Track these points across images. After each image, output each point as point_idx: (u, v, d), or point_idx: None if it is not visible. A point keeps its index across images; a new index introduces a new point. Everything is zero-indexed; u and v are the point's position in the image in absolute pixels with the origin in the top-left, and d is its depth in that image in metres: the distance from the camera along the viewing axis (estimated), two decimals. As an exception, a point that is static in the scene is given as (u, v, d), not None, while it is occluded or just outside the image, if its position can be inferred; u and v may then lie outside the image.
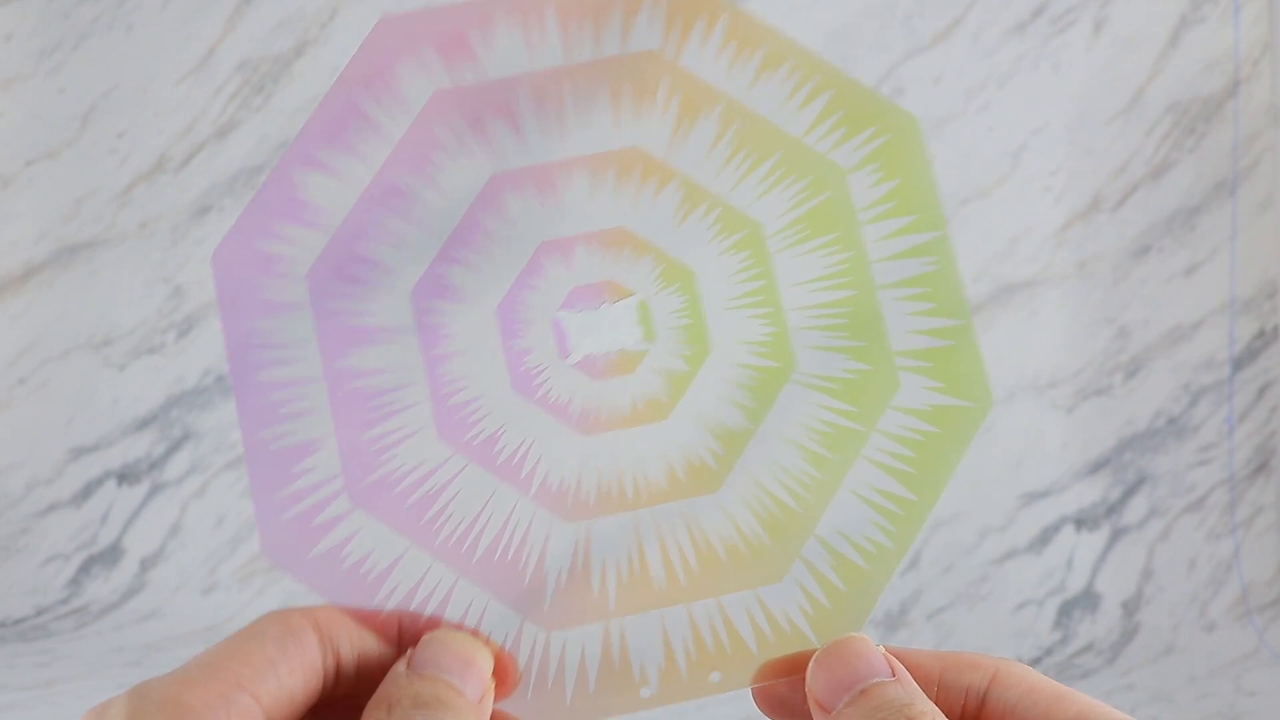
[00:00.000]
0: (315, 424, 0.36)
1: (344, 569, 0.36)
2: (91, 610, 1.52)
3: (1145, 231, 1.48)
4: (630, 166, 0.38)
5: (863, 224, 0.38)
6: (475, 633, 0.36)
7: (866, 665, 0.35)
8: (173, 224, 1.59)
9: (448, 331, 0.37)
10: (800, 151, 0.38)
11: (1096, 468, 1.47)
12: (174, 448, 1.57)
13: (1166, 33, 1.47)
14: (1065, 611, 1.44)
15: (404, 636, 0.36)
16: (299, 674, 0.34)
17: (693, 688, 0.37)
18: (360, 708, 0.34)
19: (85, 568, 1.55)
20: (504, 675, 0.37)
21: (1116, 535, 1.46)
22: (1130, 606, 1.44)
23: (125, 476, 1.57)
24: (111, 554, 1.55)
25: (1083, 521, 1.46)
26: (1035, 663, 1.38)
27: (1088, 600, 1.44)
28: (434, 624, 0.36)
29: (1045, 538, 1.47)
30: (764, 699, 0.38)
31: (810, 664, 0.36)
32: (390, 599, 0.36)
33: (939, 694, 0.36)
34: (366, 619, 0.36)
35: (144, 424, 1.57)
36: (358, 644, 0.36)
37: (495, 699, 0.36)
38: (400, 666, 0.35)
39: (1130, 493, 1.47)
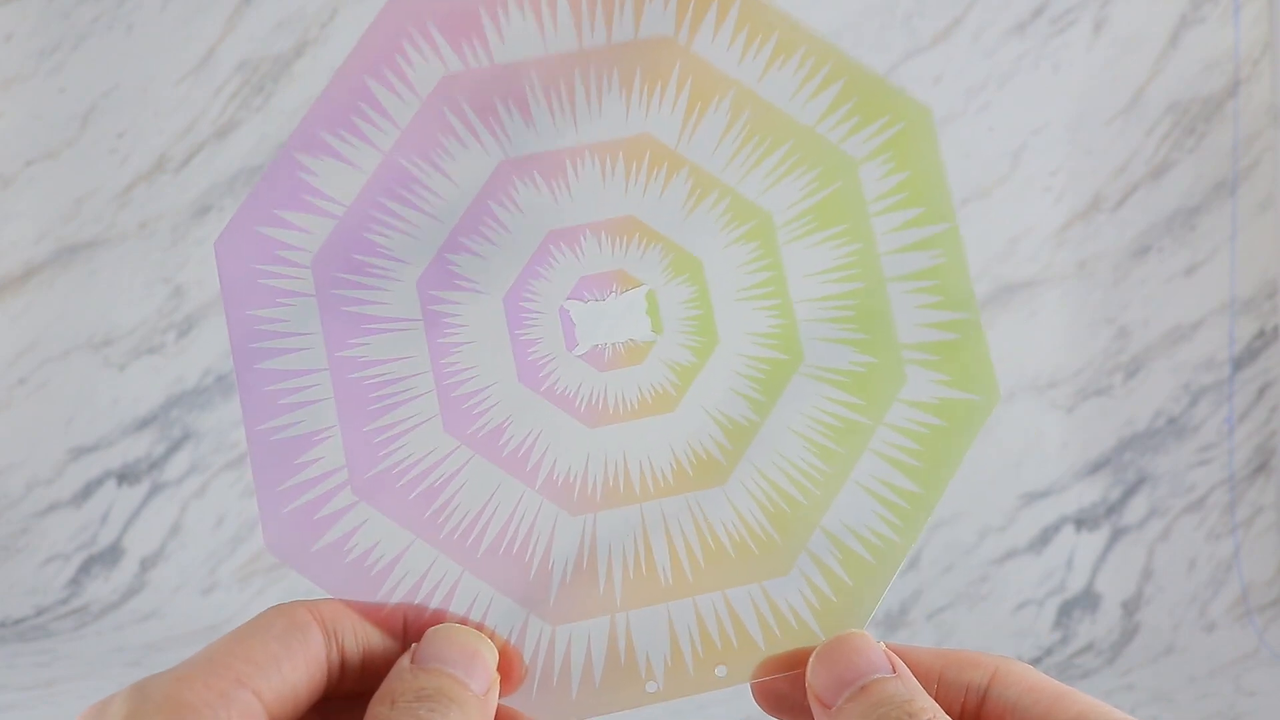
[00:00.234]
0: (319, 415, 0.36)
1: (348, 562, 0.36)
2: (91, 610, 1.51)
3: (1145, 231, 1.48)
4: (640, 154, 0.38)
5: (872, 215, 0.38)
6: (480, 627, 0.36)
7: (867, 661, 0.35)
8: (173, 224, 1.58)
9: (454, 321, 0.37)
10: (812, 141, 0.38)
11: (1096, 468, 1.47)
12: (174, 448, 1.57)
13: (1166, 33, 1.47)
14: (1065, 611, 1.44)
15: (409, 631, 0.36)
16: (302, 669, 0.34)
17: (699, 682, 0.37)
18: (365, 703, 0.34)
19: (85, 568, 1.55)
20: (509, 670, 0.36)
21: (1116, 535, 1.46)
22: (1130, 606, 1.44)
23: (125, 476, 1.57)
24: (111, 554, 1.55)
25: (1083, 521, 1.46)
26: (1035, 662, 1.38)
27: (1088, 600, 1.44)
28: (439, 618, 0.36)
29: (1045, 538, 1.47)
30: (764, 695, 0.38)
31: (810, 660, 0.36)
32: (395, 593, 0.36)
33: (939, 692, 0.36)
34: (371, 613, 0.36)
35: (144, 424, 1.57)
36: (362, 638, 0.36)
37: (501, 694, 0.36)
38: (404, 661, 0.35)
39: (1130, 493, 1.47)
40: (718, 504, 0.37)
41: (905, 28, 1.51)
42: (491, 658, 0.35)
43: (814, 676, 0.35)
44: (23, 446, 1.59)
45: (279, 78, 1.58)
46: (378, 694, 0.34)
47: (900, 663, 0.35)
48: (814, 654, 0.36)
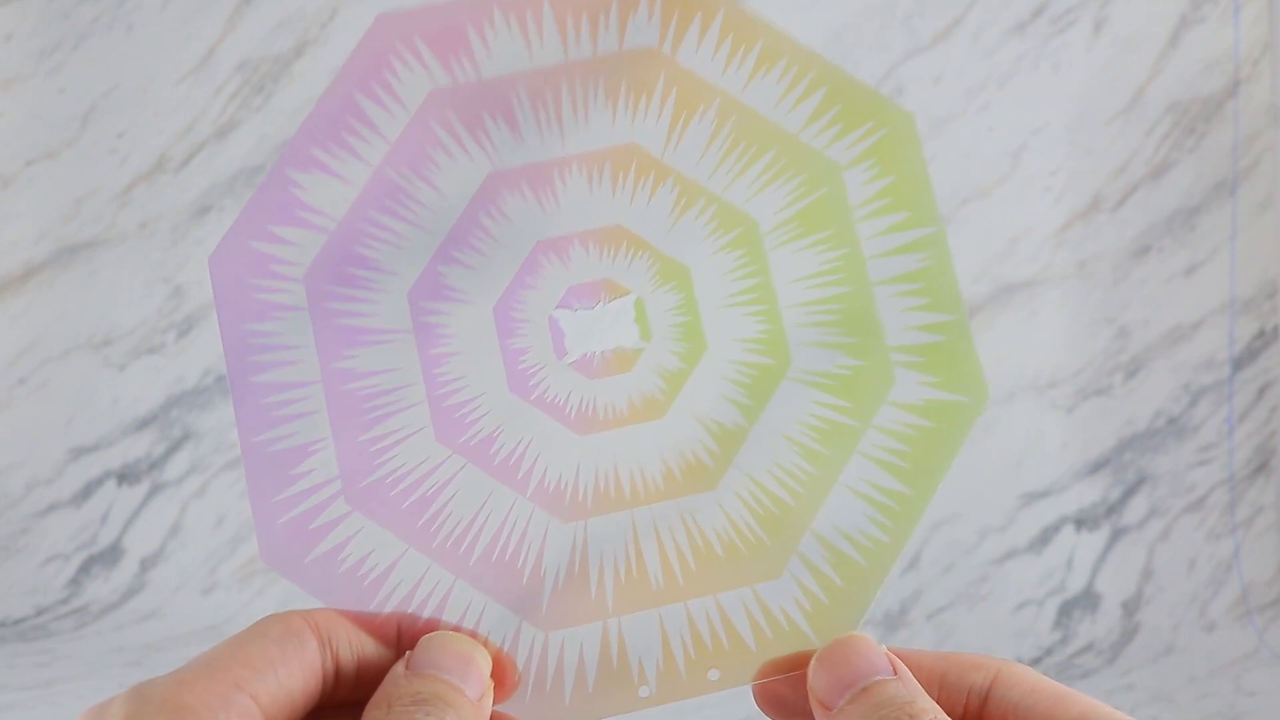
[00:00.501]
0: (313, 426, 0.36)
1: (342, 572, 0.36)
2: (91, 610, 1.52)
3: (1145, 231, 1.48)
4: (626, 164, 0.38)
5: (858, 220, 0.38)
6: (474, 634, 0.37)
7: (868, 663, 0.35)
8: (173, 224, 1.59)
9: (445, 332, 0.37)
10: (796, 148, 0.38)
11: (1096, 468, 1.47)
12: (174, 448, 1.57)
13: (1166, 33, 1.47)
14: (1065, 611, 1.44)
15: (403, 639, 0.37)
16: (299, 676, 0.34)
17: (691, 686, 0.37)
18: (359, 712, 0.34)
19: (85, 568, 1.55)
20: (503, 677, 0.37)
21: (1116, 535, 1.46)
22: (1130, 606, 1.44)
23: (125, 476, 1.57)
24: (111, 554, 1.55)
25: (1083, 521, 1.46)
26: (1035, 663, 1.38)
27: (1088, 600, 1.44)
28: (432, 626, 0.36)
29: (1045, 538, 1.47)
30: (765, 698, 0.38)
31: (812, 662, 0.36)
32: (389, 601, 0.36)
33: (941, 694, 0.36)
34: (365, 622, 0.36)
35: (144, 424, 1.57)
36: (357, 647, 0.36)
37: (495, 700, 0.36)
38: (399, 668, 0.35)
39: (1130, 493, 1.47)
40: (708, 509, 0.37)
41: (905, 28, 1.51)
42: (485, 664, 0.36)
43: (815, 679, 0.35)
44: (23, 446, 1.59)
45: (279, 78, 1.58)
46: (373, 699, 0.34)
47: (902, 665, 0.35)
48: (815, 656, 0.36)
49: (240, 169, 1.58)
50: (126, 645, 1.44)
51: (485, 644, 0.36)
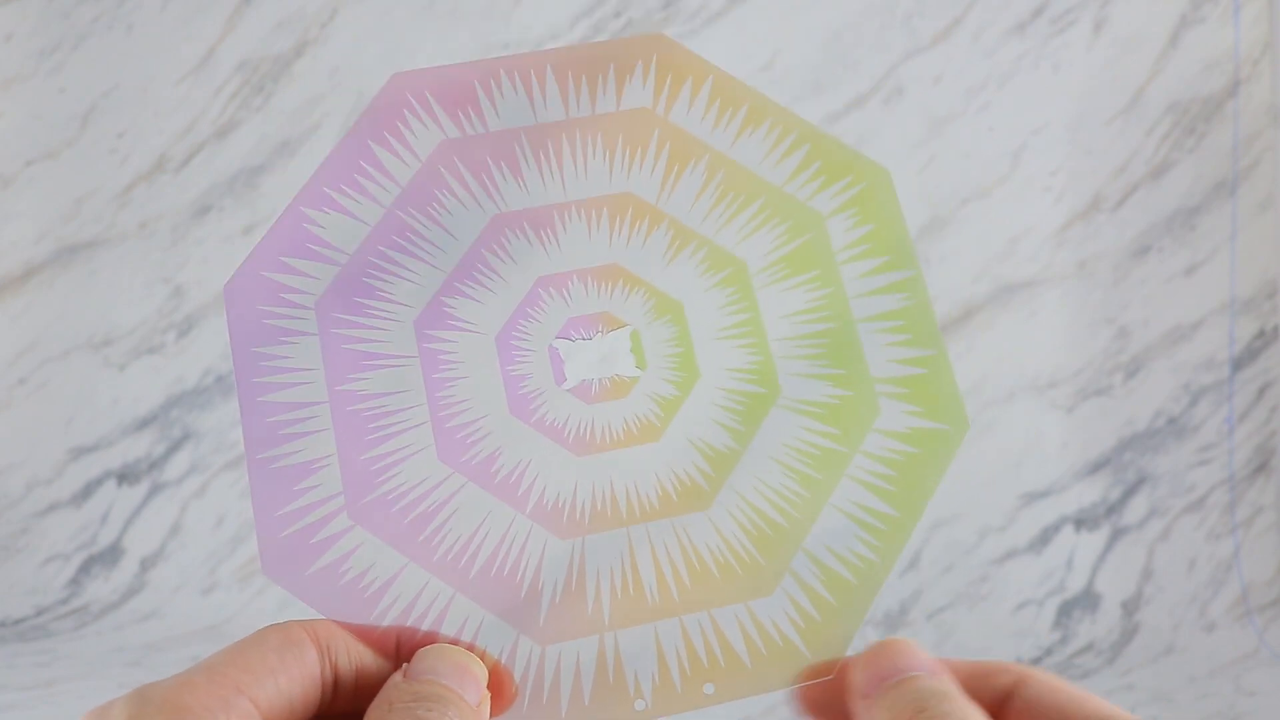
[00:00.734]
0: (318, 444, 0.38)
1: (343, 584, 0.37)
2: (91, 610, 1.52)
3: (1145, 231, 1.48)
4: (623, 210, 0.40)
5: (841, 263, 0.41)
6: (472, 647, 0.37)
7: (908, 660, 0.36)
8: (173, 224, 1.59)
9: (449, 358, 0.39)
10: (781, 198, 0.41)
11: (1096, 468, 1.47)
12: (174, 448, 1.57)
13: (1166, 33, 1.47)
14: (1065, 611, 1.44)
15: (401, 651, 0.37)
16: (298, 683, 0.34)
17: (686, 700, 0.38)
18: None
19: (85, 568, 1.55)
20: (500, 688, 0.37)
21: (1116, 535, 1.46)
22: (1130, 606, 1.44)
23: (125, 476, 1.57)
24: (111, 554, 1.55)
25: (1083, 521, 1.47)
26: (1035, 663, 1.38)
27: (1087, 600, 1.44)
28: (431, 639, 0.37)
29: (1045, 538, 1.47)
30: (805, 699, 0.39)
31: (856, 660, 0.37)
32: (388, 614, 0.37)
33: (967, 691, 0.37)
34: (364, 634, 0.37)
35: (144, 424, 1.58)
36: (356, 658, 0.36)
37: (493, 712, 0.36)
38: (397, 676, 0.35)
39: (1130, 493, 1.47)
40: (702, 527, 0.38)
41: (905, 28, 1.51)
42: (482, 674, 0.36)
43: (857, 674, 0.37)
44: (23, 446, 1.59)
45: (279, 78, 1.58)
46: (373, 704, 0.34)
47: (943, 666, 0.36)
48: (860, 654, 0.37)
49: (240, 169, 1.58)
50: (126, 645, 1.44)
51: (483, 656, 0.37)
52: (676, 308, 0.40)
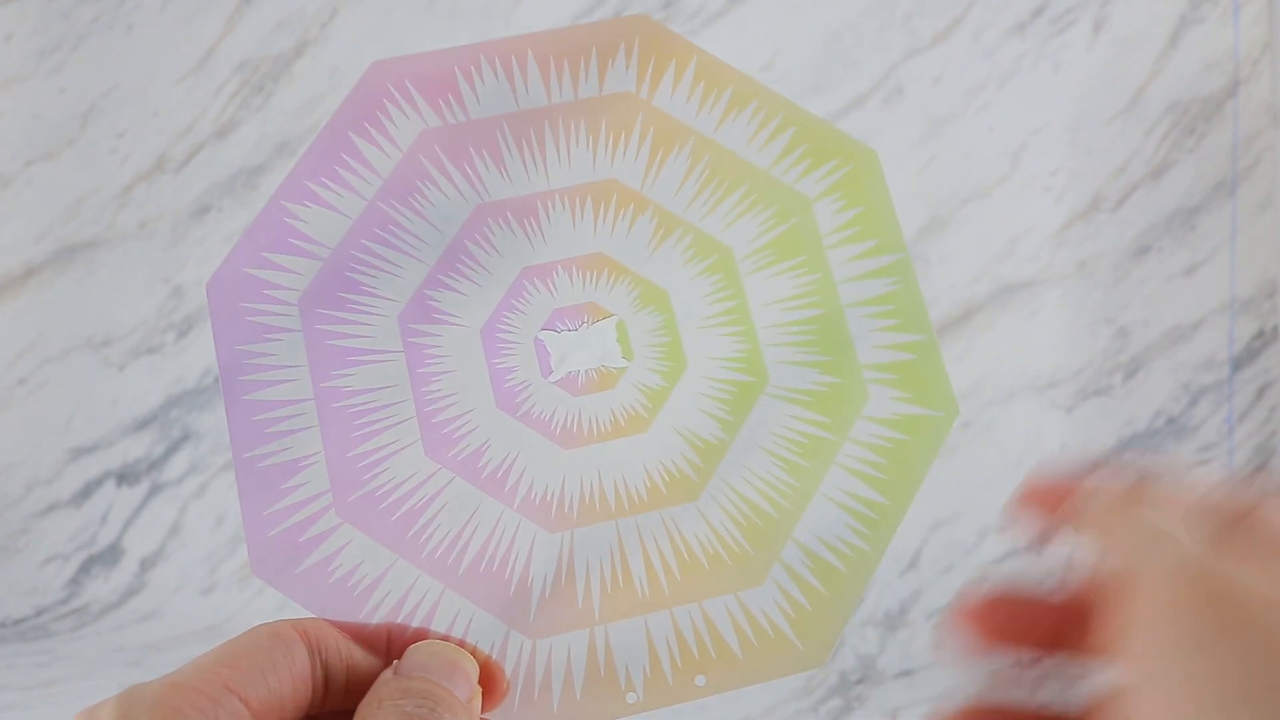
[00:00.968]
0: (305, 442, 0.38)
1: (332, 582, 0.37)
2: (91, 610, 1.52)
3: (1145, 231, 1.48)
4: (607, 197, 0.40)
5: (828, 248, 0.40)
6: (462, 643, 0.37)
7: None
8: (173, 224, 1.59)
9: (434, 352, 0.39)
10: (767, 182, 0.40)
11: (1096, 468, 1.47)
12: (174, 448, 1.57)
13: (1166, 33, 1.47)
14: (1063, 611, 1.44)
15: (392, 648, 0.37)
16: (288, 682, 0.34)
17: (678, 691, 0.38)
18: (349, 719, 0.34)
19: (85, 568, 1.55)
20: (491, 684, 0.37)
21: (1116, 535, 1.46)
22: (1130, 607, 1.44)
23: (125, 476, 1.57)
24: (111, 554, 1.55)
25: (1082, 522, 1.46)
26: (1035, 662, 1.38)
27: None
28: (421, 635, 0.37)
29: (1045, 538, 1.46)
30: (976, 617, 0.38)
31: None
32: (378, 611, 0.37)
33: None
34: (355, 631, 0.37)
35: (144, 424, 1.58)
36: (346, 656, 0.36)
37: (485, 708, 0.36)
38: (388, 673, 0.35)
39: (1130, 493, 1.46)
40: (691, 519, 0.38)
41: (905, 28, 1.50)
42: (473, 669, 0.36)
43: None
44: (22, 446, 1.59)
45: (279, 78, 1.58)
46: (364, 701, 0.34)
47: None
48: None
49: (240, 169, 1.58)
50: (126, 645, 1.44)
51: (474, 652, 0.37)
52: (662, 296, 0.39)
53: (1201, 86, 1.47)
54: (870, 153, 0.41)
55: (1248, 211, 1.46)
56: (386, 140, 0.39)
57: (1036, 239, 1.49)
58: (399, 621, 0.37)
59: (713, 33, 1.52)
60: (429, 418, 0.38)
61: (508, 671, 0.37)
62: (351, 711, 0.35)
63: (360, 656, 0.37)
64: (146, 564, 1.55)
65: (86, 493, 1.58)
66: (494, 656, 0.37)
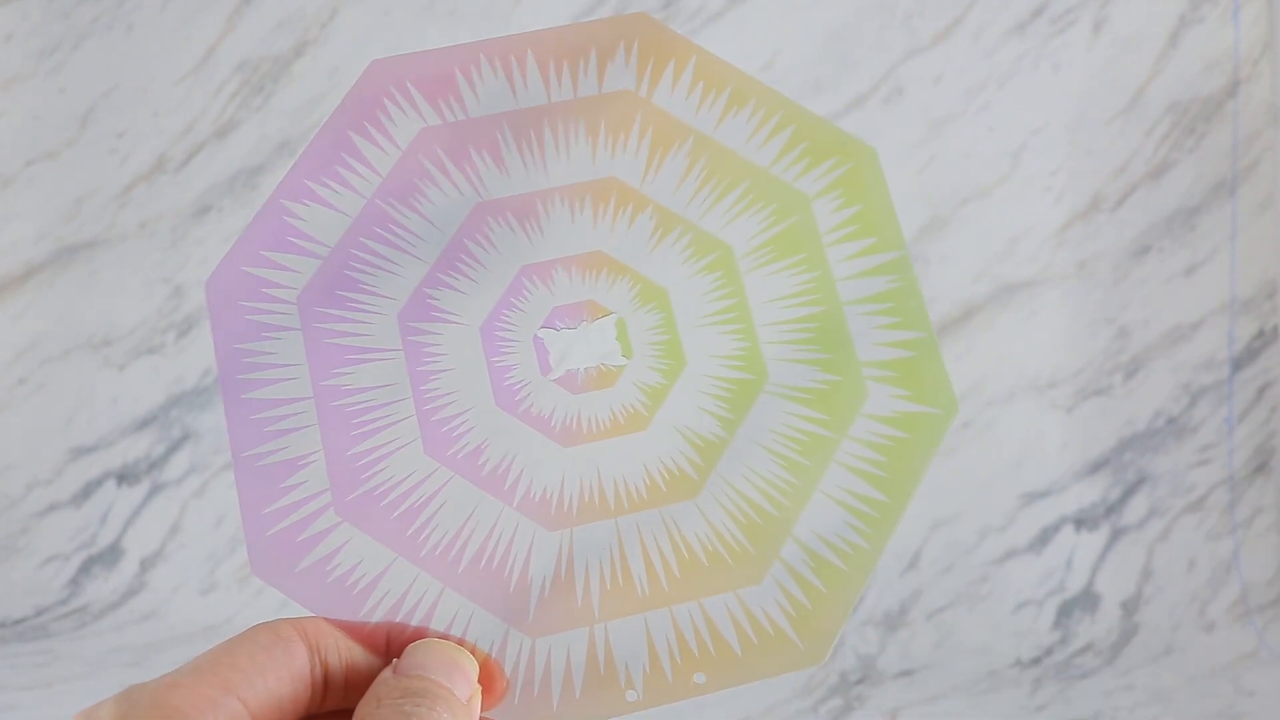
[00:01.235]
0: (304, 441, 0.38)
1: (331, 581, 0.37)
2: (91, 610, 1.52)
3: (1145, 231, 1.48)
4: (606, 195, 0.40)
5: (828, 245, 0.40)
6: (462, 641, 0.37)
7: None
8: (173, 224, 1.59)
9: (433, 350, 0.39)
10: (766, 180, 0.41)
11: (1096, 468, 1.47)
12: (174, 448, 1.57)
13: (1166, 33, 1.47)
14: (1065, 611, 1.44)
15: (391, 647, 0.37)
16: (287, 682, 0.34)
17: (678, 690, 0.38)
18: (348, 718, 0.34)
19: (85, 568, 1.55)
20: (491, 682, 0.37)
21: (1116, 535, 1.46)
22: (1130, 606, 1.44)
23: (125, 476, 1.57)
24: (111, 554, 1.55)
25: (1082, 521, 1.46)
26: (1035, 663, 1.38)
27: (1087, 600, 1.44)
28: (420, 634, 0.37)
29: (1045, 538, 1.47)
30: None
31: None
32: (377, 610, 0.37)
33: None
34: (354, 630, 0.36)
35: (144, 424, 1.58)
36: (345, 655, 0.36)
37: (485, 707, 0.36)
38: (387, 673, 0.35)
39: (1130, 493, 1.47)
40: (691, 517, 0.38)
41: (905, 28, 1.51)
42: (472, 668, 0.36)
43: None
44: (23, 446, 1.59)
45: (279, 78, 1.58)
46: (362, 700, 0.34)
47: None
48: None
49: (240, 169, 1.58)
50: (126, 645, 1.44)
51: (473, 650, 0.37)
52: (661, 294, 0.40)
53: (1201, 86, 1.47)
54: (869, 150, 0.41)
55: (1248, 211, 1.46)
56: (386, 139, 0.39)
57: (1036, 239, 1.49)
58: (398, 620, 0.37)
59: (713, 32, 1.52)
60: (428, 416, 0.38)
61: (507, 670, 0.37)
62: (351, 711, 0.35)
63: (359, 655, 0.36)
64: (146, 564, 1.55)
65: (86, 493, 1.58)
66: (493, 655, 0.37)
